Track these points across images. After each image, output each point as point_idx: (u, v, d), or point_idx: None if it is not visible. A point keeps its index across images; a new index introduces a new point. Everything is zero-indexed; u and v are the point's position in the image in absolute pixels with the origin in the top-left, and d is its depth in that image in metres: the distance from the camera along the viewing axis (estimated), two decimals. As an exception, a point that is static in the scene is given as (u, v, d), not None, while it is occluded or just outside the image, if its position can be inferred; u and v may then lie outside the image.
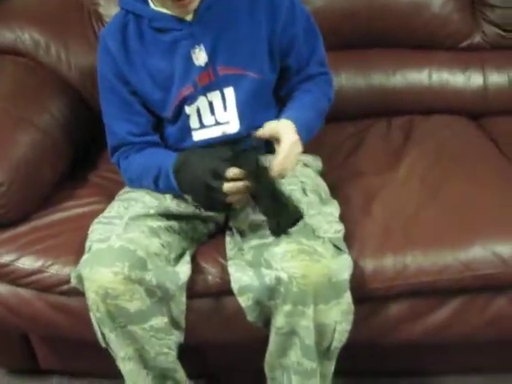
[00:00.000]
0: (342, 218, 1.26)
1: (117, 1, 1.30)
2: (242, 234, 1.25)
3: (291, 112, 1.24)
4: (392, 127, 1.64)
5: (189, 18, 1.23)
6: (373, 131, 1.63)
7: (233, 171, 1.10)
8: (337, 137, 1.60)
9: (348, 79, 1.69)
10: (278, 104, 1.34)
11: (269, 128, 1.18)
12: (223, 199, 1.13)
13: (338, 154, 1.55)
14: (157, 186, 1.26)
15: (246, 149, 1.17)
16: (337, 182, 1.40)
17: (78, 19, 1.67)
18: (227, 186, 1.11)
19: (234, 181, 1.11)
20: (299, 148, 1.18)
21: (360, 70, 1.69)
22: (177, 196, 1.27)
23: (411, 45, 1.70)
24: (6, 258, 1.29)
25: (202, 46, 1.24)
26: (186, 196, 1.22)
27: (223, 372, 1.53)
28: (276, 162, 1.13)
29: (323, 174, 1.40)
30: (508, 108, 1.69)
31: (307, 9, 1.34)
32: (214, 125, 1.29)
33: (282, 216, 1.12)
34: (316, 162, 1.42)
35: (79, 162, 1.56)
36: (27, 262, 1.28)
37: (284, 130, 1.16)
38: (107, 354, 1.22)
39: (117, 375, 1.29)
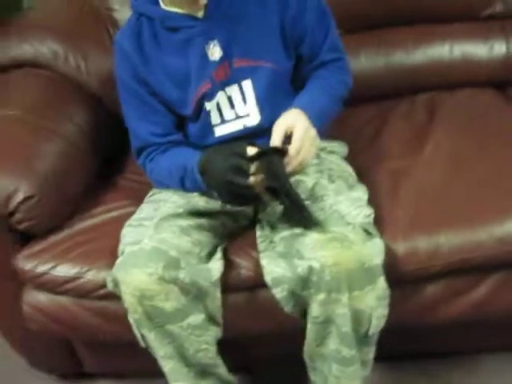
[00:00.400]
0: (371, 202, 1.25)
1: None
2: (271, 226, 1.25)
3: (300, 100, 1.24)
4: (416, 106, 1.62)
5: (200, 14, 1.23)
6: (396, 111, 1.61)
7: (253, 166, 1.11)
8: (359, 120, 1.58)
9: (368, 60, 1.66)
10: (297, 91, 1.33)
11: (278, 130, 1.16)
12: (250, 193, 1.13)
13: (362, 137, 1.53)
14: (183, 185, 1.27)
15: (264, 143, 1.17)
16: (363, 166, 1.39)
17: (94, 27, 1.68)
18: (251, 180, 1.11)
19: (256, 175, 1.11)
20: (313, 132, 1.18)
21: (380, 50, 1.66)
22: (204, 193, 1.27)
23: (431, 19, 1.66)
24: (43, 268, 1.31)
25: (216, 41, 1.24)
26: (215, 195, 1.23)
27: (261, 365, 1.54)
28: (291, 151, 1.13)
29: (348, 159, 1.39)
30: (534, 75, 1.65)
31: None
32: (235, 119, 1.29)
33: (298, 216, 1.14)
34: (342, 148, 1.41)
35: (105, 167, 1.58)
36: (63, 270, 1.30)
37: (293, 121, 1.16)
38: (149, 354, 1.24)
39: (161, 374, 1.31)
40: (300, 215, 1.14)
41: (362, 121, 1.59)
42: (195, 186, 1.23)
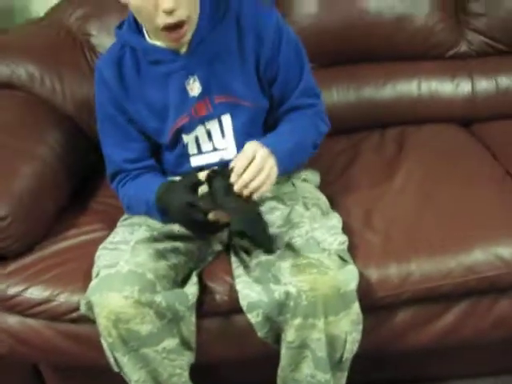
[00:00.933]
0: (344, 229, 1.27)
1: (110, 31, 1.33)
2: (246, 251, 1.27)
3: (268, 140, 1.20)
4: (385, 139, 1.67)
5: (183, 50, 1.25)
6: (367, 144, 1.66)
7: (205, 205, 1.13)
8: (332, 151, 1.62)
9: (339, 94, 1.72)
10: (271, 129, 1.33)
11: (240, 155, 1.16)
12: (210, 225, 1.16)
13: (334, 167, 1.57)
14: (150, 216, 1.28)
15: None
16: (335, 195, 1.42)
17: (71, 51, 1.69)
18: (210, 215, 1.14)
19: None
20: (271, 162, 1.16)
21: (351, 85, 1.72)
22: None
23: (399, 57, 1.73)
24: (14, 290, 1.30)
25: (196, 77, 1.26)
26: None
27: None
28: (235, 166, 1.13)
29: (320, 188, 1.43)
30: (497, 113, 1.72)
31: (293, 31, 1.32)
32: (212, 151, 1.31)
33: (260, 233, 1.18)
34: (314, 177, 1.44)
35: (78, 190, 1.58)
36: (35, 292, 1.29)
37: (256, 146, 1.16)
38: (116, 380, 1.23)
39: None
40: (258, 238, 1.18)
41: (333, 152, 1.62)
42: (159, 219, 1.25)
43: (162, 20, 1.14)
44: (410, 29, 1.69)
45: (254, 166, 1.13)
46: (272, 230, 1.22)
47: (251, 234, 1.16)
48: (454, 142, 1.63)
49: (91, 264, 1.24)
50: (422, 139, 1.64)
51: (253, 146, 1.15)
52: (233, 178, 1.13)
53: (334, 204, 1.38)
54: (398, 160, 1.55)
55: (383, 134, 1.69)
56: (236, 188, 1.12)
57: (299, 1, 1.69)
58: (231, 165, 1.14)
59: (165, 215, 1.21)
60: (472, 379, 1.51)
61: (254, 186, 1.13)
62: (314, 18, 1.68)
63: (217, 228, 1.20)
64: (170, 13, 1.13)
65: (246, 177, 1.12)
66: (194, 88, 1.26)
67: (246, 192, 1.13)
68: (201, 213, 1.13)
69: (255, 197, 1.15)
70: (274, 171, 1.17)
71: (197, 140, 1.31)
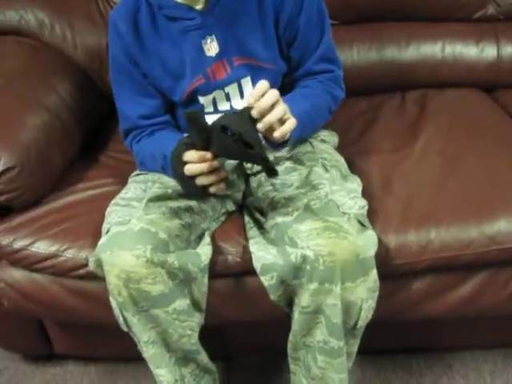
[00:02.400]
0: (363, 193, 1.23)
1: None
2: (261, 212, 1.23)
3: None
4: (406, 101, 1.62)
5: (199, 7, 1.19)
6: (387, 106, 1.61)
7: (187, 155, 1.08)
8: (350, 112, 1.57)
9: (361, 53, 1.66)
10: (286, 91, 1.28)
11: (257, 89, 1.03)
12: (193, 184, 1.10)
13: (353, 129, 1.53)
14: (164, 172, 1.24)
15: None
16: (353, 158, 1.38)
17: (82, -3, 1.63)
18: (187, 169, 1.08)
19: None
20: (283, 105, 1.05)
21: (373, 44, 1.66)
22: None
23: (424, 17, 1.67)
24: (20, 243, 1.26)
25: (214, 37, 1.21)
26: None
27: (241, 353, 1.53)
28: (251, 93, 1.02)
29: (338, 150, 1.38)
30: (522, 80, 1.67)
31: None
32: (229, 111, 1.27)
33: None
34: (333, 138, 1.39)
35: (89, 143, 1.53)
36: (42, 247, 1.25)
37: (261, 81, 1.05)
38: (122, 337, 1.20)
39: (132, 358, 1.27)
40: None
41: (352, 113, 1.58)
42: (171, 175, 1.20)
43: None
44: (438, -14, 1.62)
45: (272, 94, 1.02)
46: (290, 192, 1.18)
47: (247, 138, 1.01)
48: (476, 108, 1.58)
49: (101, 219, 1.21)
50: (444, 103, 1.59)
51: (266, 83, 1.04)
52: (251, 100, 1.01)
53: (353, 167, 1.34)
54: (420, 124, 1.50)
55: (404, 96, 1.65)
56: (255, 112, 1.01)
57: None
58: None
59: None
60: (484, 350, 1.50)
61: (274, 116, 1.02)
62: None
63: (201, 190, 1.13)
64: None
65: (266, 100, 1.01)
66: (212, 48, 1.21)
67: (265, 120, 1.02)
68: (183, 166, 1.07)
69: (277, 135, 1.04)
70: (292, 120, 1.07)
71: (214, 100, 1.27)
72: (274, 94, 1.03)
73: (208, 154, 1.07)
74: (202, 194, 1.14)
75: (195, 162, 1.08)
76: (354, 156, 1.39)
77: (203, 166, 1.08)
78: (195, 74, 1.23)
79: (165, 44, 1.22)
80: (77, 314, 1.31)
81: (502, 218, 1.22)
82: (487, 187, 1.28)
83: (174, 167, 1.12)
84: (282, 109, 1.04)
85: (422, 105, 1.59)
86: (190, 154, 1.08)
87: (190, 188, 1.13)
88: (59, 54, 1.55)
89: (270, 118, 1.03)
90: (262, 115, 1.03)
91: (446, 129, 1.47)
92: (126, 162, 1.43)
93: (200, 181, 1.10)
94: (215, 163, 1.08)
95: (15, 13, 1.55)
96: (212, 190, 1.12)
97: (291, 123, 1.06)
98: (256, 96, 1.02)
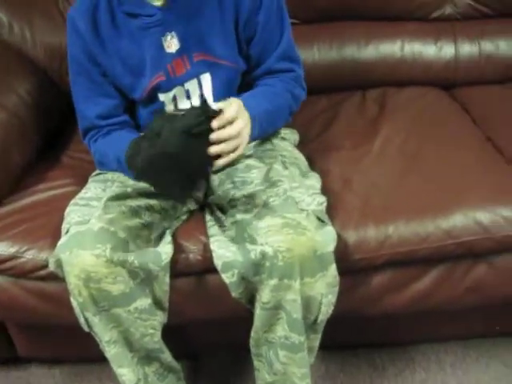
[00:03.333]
0: (322, 190, 1.25)
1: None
2: (222, 210, 1.24)
3: (245, 101, 1.16)
4: (366, 100, 1.64)
5: (158, 3, 1.19)
6: (347, 104, 1.63)
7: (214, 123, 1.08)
8: (311, 110, 1.59)
9: (321, 52, 1.67)
10: (245, 89, 1.30)
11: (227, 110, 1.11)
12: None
13: (313, 127, 1.54)
14: (121, 172, 1.25)
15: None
16: (313, 155, 1.39)
17: (41, -4, 1.61)
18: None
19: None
20: (248, 130, 1.14)
21: (333, 43, 1.68)
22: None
23: (383, 17, 1.69)
24: (-21, 245, 1.25)
25: (174, 33, 1.20)
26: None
27: (205, 351, 1.53)
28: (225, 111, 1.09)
29: (299, 147, 1.39)
30: (479, 78, 1.70)
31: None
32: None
33: None
34: (293, 135, 1.41)
35: (49, 143, 1.52)
36: (2, 248, 1.24)
37: (234, 103, 1.12)
38: (86, 339, 1.19)
39: (96, 359, 1.26)
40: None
41: (313, 112, 1.59)
42: (131, 177, 1.21)
43: None
44: (396, -13, 1.64)
45: (236, 127, 1.10)
46: (250, 189, 1.19)
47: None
48: (435, 106, 1.61)
49: (60, 219, 1.20)
50: (403, 101, 1.61)
51: (238, 107, 1.11)
52: (215, 124, 1.08)
53: (313, 164, 1.35)
54: (379, 122, 1.52)
55: (364, 94, 1.66)
56: (213, 136, 1.08)
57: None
58: (216, 108, 1.09)
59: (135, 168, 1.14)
60: (444, 343, 1.52)
61: (228, 148, 1.10)
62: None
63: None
64: None
65: (229, 131, 1.09)
66: (172, 45, 1.21)
67: (216, 148, 1.09)
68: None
69: (221, 162, 1.12)
70: (247, 140, 1.15)
71: (174, 98, 1.27)
72: (239, 126, 1.09)
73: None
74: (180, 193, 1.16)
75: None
76: (314, 153, 1.40)
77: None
78: (155, 70, 1.23)
79: (124, 41, 1.22)
80: (38, 315, 1.30)
81: (457, 213, 1.24)
82: (444, 182, 1.30)
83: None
84: (238, 142, 1.11)
85: (381, 103, 1.61)
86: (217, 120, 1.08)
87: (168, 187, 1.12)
88: (18, 53, 1.54)
89: (225, 148, 1.10)
90: (218, 142, 1.08)
91: (405, 126, 1.49)
92: (87, 161, 1.42)
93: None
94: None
95: (-28, 12, 1.53)
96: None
97: (238, 153, 1.12)
98: (222, 123, 1.07)
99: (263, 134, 1.25)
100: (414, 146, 1.41)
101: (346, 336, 1.45)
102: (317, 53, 1.68)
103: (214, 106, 1.11)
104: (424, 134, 1.46)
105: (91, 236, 1.10)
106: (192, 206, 1.30)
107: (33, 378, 1.53)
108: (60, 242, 1.13)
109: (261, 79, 1.31)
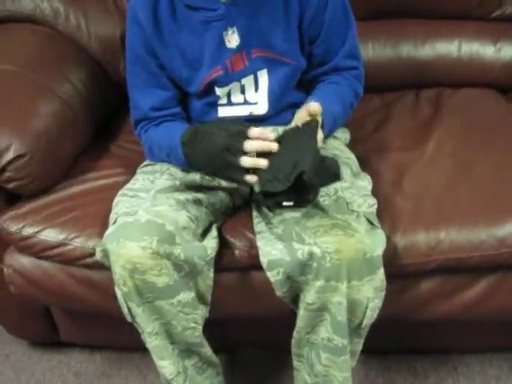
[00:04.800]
0: (373, 192, 1.23)
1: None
2: (268, 207, 1.22)
3: (316, 99, 1.16)
4: (420, 100, 1.60)
5: None
6: (400, 104, 1.59)
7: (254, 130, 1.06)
8: (364, 109, 1.55)
9: (376, 50, 1.64)
10: (303, 85, 1.31)
11: (299, 118, 1.12)
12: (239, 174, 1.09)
13: (365, 126, 1.52)
14: (170, 161, 1.24)
15: None
16: (364, 155, 1.37)
17: (97, -14, 1.62)
18: (250, 145, 1.07)
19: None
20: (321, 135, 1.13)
21: (389, 41, 1.64)
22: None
23: (441, 15, 1.65)
24: (29, 230, 1.26)
25: (235, 29, 1.19)
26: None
27: (242, 346, 1.52)
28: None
29: (350, 146, 1.37)
30: (539, 81, 1.64)
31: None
32: (242, 103, 1.27)
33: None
34: (344, 135, 1.38)
35: (99, 132, 1.53)
36: (51, 235, 1.26)
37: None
38: (127, 326, 1.20)
39: (136, 348, 1.27)
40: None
41: (365, 111, 1.56)
42: (178, 161, 1.21)
43: None
44: (456, -16, 1.59)
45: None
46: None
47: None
48: (491, 109, 1.56)
49: (109, 209, 1.21)
50: (458, 103, 1.57)
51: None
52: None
53: (364, 164, 1.32)
54: (433, 124, 1.49)
55: (418, 94, 1.63)
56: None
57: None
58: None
59: (189, 160, 1.16)
60: (490, 354, 1.49)
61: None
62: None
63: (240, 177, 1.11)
64: None
65: None
66: (232, 40, 1.20)
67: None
68: (238, 155, 1.06)
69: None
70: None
71: (229, 92, 1.26)
72: None
73: (271, 135, 1.06)
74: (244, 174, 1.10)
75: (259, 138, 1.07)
76: (365, 153, 1.38)
77: (264, 144, 1.07)
78: (214, 64, 1.22)
79: (184, 34, 1.21)
80: (83, 302, 1.31)
81: (511, 221, 1.20)
82: (498, 189, 1.26)
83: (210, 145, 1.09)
84: None
85: (435, 104, 1.57)
86: (257, 130, 1.07)
87: (234, 167, 1.08)
88: (73, 43, 1.55)
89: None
90: None
91: (460, 130, 1.45)
92: (136, 152, 1.42)
93: (245, 161, 1.07)
94: (274, 147, 1.07)
95: (31, 1, 1.54)
96: (248, 177, 1.09)
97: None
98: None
99: (329, 133, 1.24)
100: (468, 151, 1.37)
101: (388, 341, 1.42)
102: (371, 50, 1.64)
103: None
104: (478, 139, 1.42)
105: (138, 227, 1.10)
106: (239, 201, 1.29)
107: (74, 362, 1.56)
108: (107, 232, 1.14)
109: (326, 75, 1.29)
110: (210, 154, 1.10)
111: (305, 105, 1.14)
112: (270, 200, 1.09)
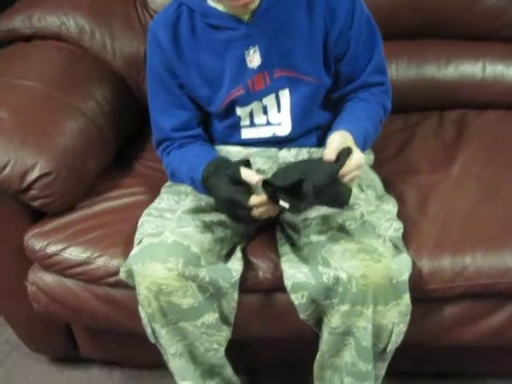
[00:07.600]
0: (397, 215, 1.22)
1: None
2: (294, 228, 1.22)
3: (349, 125, 1.15)
4: (444, 122, 1.58)
5: (245, 17, 1.17)
6: (424, 125, 1.57)
7: (253, 200, 1.08)
8: (387, 130, 1.51)
9: (399, 70, 1.63)
10: (329, 105, 1.28)
11: (333, 149, 1.07)
12: (248, 214, 1.10)
13: (389, 147, 1.50)
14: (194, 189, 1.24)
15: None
16: (389, 177, 1.36)
17: (123, 5, 1.63)
18: (258, 214, 1.09)
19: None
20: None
21: (412, 61, 1.63)
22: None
23: (465, 36, 1.63)
24: (53, 248, 1.27)
25: (257, 48, 1.18)
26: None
27: (265, 367, 1.51)
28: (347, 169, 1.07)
29: (374, 168, 1.36)
30: None
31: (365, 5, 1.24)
32: (266, 125, 1.25)
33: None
34: (368, 156, 1.37)
35: (123, 150, 1.54)
36: (74, 253, 1.26)
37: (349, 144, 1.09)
38: (147, 343, 1.20)
39: (156, 365, 1.27)
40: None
41: (389, 131, 1.54)
42: (203, 193, 1.20)
43: None
44: (481, 5, 1.57)
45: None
46: (325, 210, 1.17)
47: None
48: (516, 131, 1.54)
49: (133, 228, 1.21)
50: (483, 126, 1.55)
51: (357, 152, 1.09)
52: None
53: (388, 186, 1.32)
54: (458, 146, 1.47)
55: (442, 116, 1.61)
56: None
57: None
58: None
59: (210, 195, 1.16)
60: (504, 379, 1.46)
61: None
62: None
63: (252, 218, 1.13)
64: None
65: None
66: (254, 60, 1.19)
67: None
68: (244, 209, 1.08)
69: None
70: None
71: (251, 113, 1.25)
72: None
73: (264, 197, 1.08)
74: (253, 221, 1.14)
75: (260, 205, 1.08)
76: (389, 175, 1.37)
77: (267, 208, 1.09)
78: (235, 84, 1.21)
79: (204, 53, 1.21)
80: (105, 320, 1.32)
81: (539, 247, 1.19)
82: (525, 215, 1.25)
83: (221, 201, 1.11)
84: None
85: (460, 126, 1.55)
86: (255, 200, 1.08)
87: (242, 217, 1.12)
88: (98, 60, 1.56)
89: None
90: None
91: (485, 153, 1.44)
92: (159, 170, 1.41)
93: (257, 211, 1.10)
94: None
95: (57, 18, 1.55)
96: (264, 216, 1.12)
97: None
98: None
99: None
100: (494, 175, 1.36)
101: (410, 363, 1.41)
102: (394, 70, 1.63)
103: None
104: (504, 162, 1.40)
105: (164, 249, 1.11)
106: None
107: (93, 379, 1.55)
108: (132, 253, 1.14)
109: (354, 93, 1.27)
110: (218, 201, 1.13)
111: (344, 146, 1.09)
112: (269, 190, 1.08)
